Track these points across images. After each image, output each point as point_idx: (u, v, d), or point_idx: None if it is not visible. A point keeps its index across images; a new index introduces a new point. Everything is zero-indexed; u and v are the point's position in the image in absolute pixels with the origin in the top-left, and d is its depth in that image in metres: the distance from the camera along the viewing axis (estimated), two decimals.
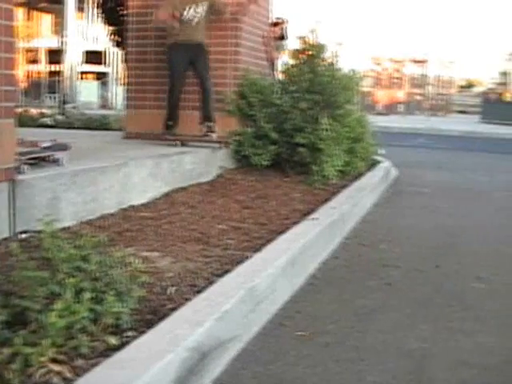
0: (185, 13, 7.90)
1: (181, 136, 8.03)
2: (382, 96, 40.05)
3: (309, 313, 3.90)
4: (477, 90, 67.51)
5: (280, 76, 8.85)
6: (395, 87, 42.24)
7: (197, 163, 7.19)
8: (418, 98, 43.35)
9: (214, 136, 7.97)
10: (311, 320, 3.78)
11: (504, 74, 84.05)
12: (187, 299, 3.35)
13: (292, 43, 9.07)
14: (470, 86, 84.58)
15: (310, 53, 8.25)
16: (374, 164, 9.18)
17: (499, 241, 6.24)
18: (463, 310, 4.10)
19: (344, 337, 3.55)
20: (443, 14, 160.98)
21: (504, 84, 75.30)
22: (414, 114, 38.62)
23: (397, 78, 43.38)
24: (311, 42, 8.30)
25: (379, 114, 35.44)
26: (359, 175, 8.18)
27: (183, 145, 7.84)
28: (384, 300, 4.23)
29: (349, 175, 7.99)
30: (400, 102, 40.32)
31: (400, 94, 41.01)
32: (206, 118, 8.01)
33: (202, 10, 7.98)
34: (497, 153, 17.18)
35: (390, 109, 38.78)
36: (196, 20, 7.97)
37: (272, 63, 9.14)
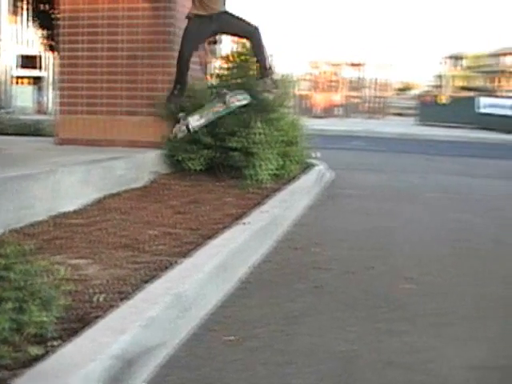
0: None
1: None
2: (319, 99, 40.28)
3: (238, 317, 3.90)
4: (413, 92, 68.42)
5: (213, 80, 8.83)
6: (333, 90, 42.55)
7: (129, 169, 7.13)
8: (356, 100, 43.74)
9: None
10: (240, 324, 3.78)
11: (439, 76, 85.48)
12: (114, 306, 3.32)
13: (226, 47, 9.06)
14: (406, 88, 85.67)
15: (243, 57, 8.26)
16: (308, 167, 9.22)
17: (431, 242, 6.33)
18: (392, 310, 4.15)
19: (273, 340, 3.56)
20: (379, 17, 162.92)
21: (439, 87, 76.62)
22: (351, 117, 38.93)
23: (334, 82, 43.71)
24: (244, 46, 8.31)
25: (317, 117, 35.67)
26: (293, 178, 8.21)
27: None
28: (314, 303, 4.25)
29: (283, 179, 8.01)
30: (337, 105, 40.62)
31: (337, 97, 41.31)
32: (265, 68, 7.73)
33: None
34: (431, 154, 17.44)
35: (328, 112, 39.04)
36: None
37: (205, 67, 9.11)
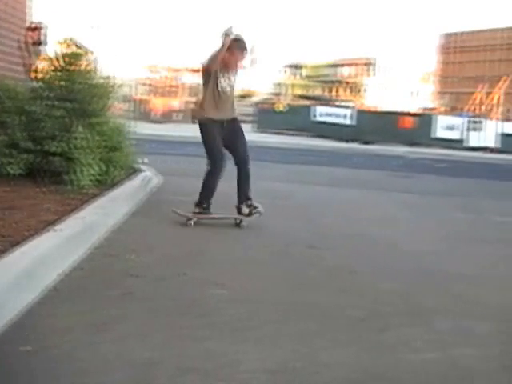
0: (220, 85, 7.24)
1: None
2: (158, 104, 40.19)
3: (41, 327, 3.82)
4: (253, 99, 69.55)
5: (36, 82, 8.61)
6: (172, 95, 42.58)
7: None
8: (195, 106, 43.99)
9: (261, 209, 7.50)
10: (42, 334, 3.70)
11: (279, 84, 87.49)
12: None
13: (52, 49, 8.86)
14: (247, 95, 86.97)
15: (67, 59, 8.11)
16: (134, 173, 9.16)
17: (247, 247, 6.45)
18: (198, 317, 4.19)
19: (75, 349, 3.51)
20: (221, 23, 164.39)
21: (278, 94, 78.26)
22: (190, 123, 39.07)
23: (173, 87, 43.76)
24: (69, 49, 8.16)
25: (155, 122, 35.60)
26: (117, 184, 8.13)
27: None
28: (124, 310, 4.23)
29: (106, 184, 7.91)
30: (176, 111, 40.67)
31: (176, 103, 41.36)
32: (246, 197, 7.54)
33: (233, 80, 7.38)
34: (264, 161, 17.77)
35: (167, 117, 39.00)
36: (229, 90, 7.35)
37: (29, 69, 8.89)
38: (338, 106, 40.90)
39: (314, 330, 4.06)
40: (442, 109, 60.04)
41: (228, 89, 7.28)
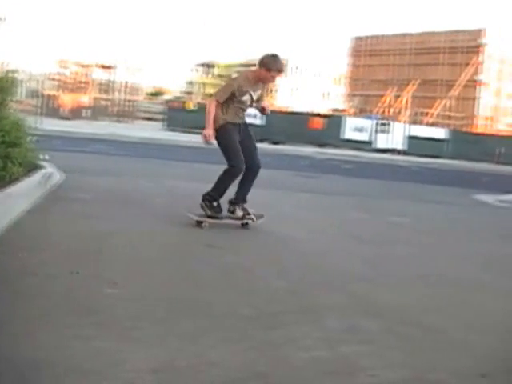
0: (243, 98, 7.54)
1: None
2: (67, 100, 39.56)
3: None
4: (165, 97, 69.26)
5: None
6: (81, 92, 42.00)
7: None
8: (105, 103, 43.47)
9: (253, 217, 7.76)
10: None
11: (190, 83, 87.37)
12: None
13: None
14: (158, 93, 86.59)
15: None
16: (34, 169, 8.97)
17: (142, 246, 6.42)
18: (87, 315, 4.11)
19: None
20: (131, 20, 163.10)
21: (190, 93, 78.13)
22: (99, 120, 38.62)
23: (83, 83, 43.16)
24: None
25: (64, 118, 35.03)
26: (14, 181, 7.94)
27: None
28: (12, 309, 4.13)
29: (3, 181, 7.72)
30: (86, 107, 40.12)
31: (86, 99, 40.80)
32: (243, 200, 7.80)
33: (258, 94, 7.68)
34: (171, 159, 17.74)
35: (76, 113, 38.43)
36: (248, 104, 7.66)
37: None
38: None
39: (203, 328, 4.05)
40: (352, 110, 61.07)
41: (250, 101, 7.63)
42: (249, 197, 7.82)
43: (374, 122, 38.84)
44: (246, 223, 7.73)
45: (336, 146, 34.29)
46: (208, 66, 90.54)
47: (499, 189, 18.29)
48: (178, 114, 37.27)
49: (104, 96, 43.87)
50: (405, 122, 42.80)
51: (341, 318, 4.52)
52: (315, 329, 4.22)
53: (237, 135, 7.59)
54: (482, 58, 65.22)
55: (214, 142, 7.57)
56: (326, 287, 5.35)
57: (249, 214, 7.74)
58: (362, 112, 57.44)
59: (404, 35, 71.94)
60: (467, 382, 3.55)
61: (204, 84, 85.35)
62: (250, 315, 4.39)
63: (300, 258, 6.50)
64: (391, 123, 39.24)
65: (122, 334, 3.86)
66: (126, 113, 43.21)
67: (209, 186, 7.72)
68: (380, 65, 72.79)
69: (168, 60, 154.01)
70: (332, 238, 7.77)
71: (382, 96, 63.05)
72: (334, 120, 37.76)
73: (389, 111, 52.14)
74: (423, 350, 3.99)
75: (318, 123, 35.64)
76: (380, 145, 37.27)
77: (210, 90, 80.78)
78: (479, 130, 55.09)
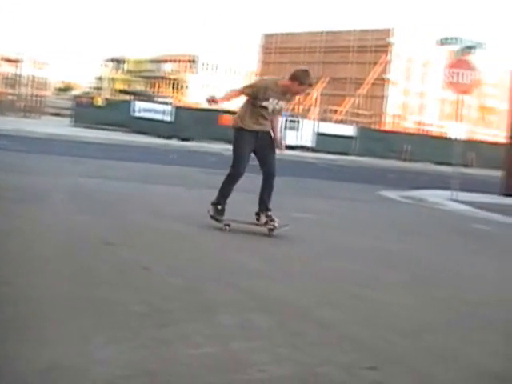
0: (264, 103, 7.74)
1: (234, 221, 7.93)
2: None
3: None
4: (73, 93, 68.25)
5: None
6: None
7: None
8: (11, 98, 42.48)
9: (276, 224, 7.89)
10: None
11: (100, 78, 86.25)
12: None
13: None
14: (67, 88, 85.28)
15: None
16: None
17: (42, 246, 6.30)
18: None
19: None
20: (38, 12, 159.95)
21: (99, 89, 77.13)
22: (5, 115, 37.70)
23: None
24: None
25: None
26: None
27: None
28: None
29: None
30: None
31: None
32: (266, 208, 7.92)
33: (280, 105, 7.88)
34: (76, 156, 17.46)
35: None
36: (271, 110, 7.84)
37: None
38: (157, 102, 40.87)
39: (94, 326, 3.99)
40: None
41: (272, 109, 7.83)
42: (153, 194, 7.86)
43: (284, 118, 39.08)
44: (272, 229, 7.91)
45: None
46: (118, 61, 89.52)
47: (404, 185, 18.71)
48: (86, 110, 36.75)
49: (10, 91, 42.86)
50: (314, 119, 43.29)
51: (234, 314, 4.52)
52: (207, 325, 4.21)
53: (251, 144, 7.85)
54: (390, 57, 66.45)
55: (215, 103, 7.85)
56: (221, 283, 5.36)
57: (272, 220, 7.92)
58: None
59: (314, 33, 72.73)
60: (355, 376, 3.60)
61: (114, 80, 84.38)
62: (143, 312, 4.36)
63: (197, 254, 6.50)
64: (300, 120, 39.61)
65: (11, 335, 3.77)
66: (33, 108, 42.27)
67: (111, 183, 7.65)
68: (290, 62, 73.07)
69: (77, 55, 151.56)
70: (231, 233, 7.77)
71: None
72: None
73: (298, 108, 52.56)
74: (314, 344, 4.03)
75: (227, 120, 35.63)
76: (289, 141, 37.42)
77: (120, 86, 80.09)
78: (387, 128, 56.12)
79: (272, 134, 8.00)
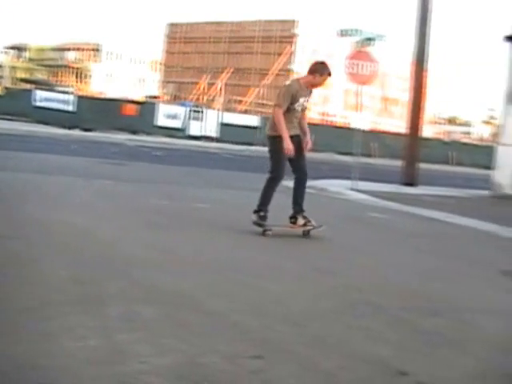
0: (296, 105, 7.93)
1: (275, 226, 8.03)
2: None
3: None
4: None
5: None
6: None
7: None
8: None
9: (314, 223, 8.12)
10: None
11: (0, 66, 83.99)
12: None
13: None
14: None
15: None
16: None
17: None
18: None
19: None
20: None
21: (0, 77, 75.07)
22: None
23: None
24: None
25: None
26: None
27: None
28: None
29: None
30: None
31: None
32: (301, 209, 8.12)
33: (306, 102, 8.13)
34: None
35: None
36: (300, 109, 8.08)
37: None
38: (58, 92, 40.09)
39: None
40: (166, 97, 61.03)
41: (300, 108, 8.06)
42: (52, 185, 7.71)
43: (188, 109, 38.99)
44: (308, 232, 8.14)
45: (149, 133, 34.14)
46: (19, 49, 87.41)
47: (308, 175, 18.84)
48: None
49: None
50: (218, 109, 43.30)
51: (121, 305, 4.49)
52: (93, 318, 4.16)
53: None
54: (294, 48, 67.08)
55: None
56: (112, 275, 5.30)
57: (309, 221, 8.12)
58: (176, 99, 57.50)
59: (219, 23, 72.73)
60: (238, 365, 3.61)
61: (14, 68, 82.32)
62: (30, 306, 4.28)
63: (91, 246, 6.40)
64: (205, 110, 39.57)
65: None
66: None
67: (8, 174, 7.44)
68: (195, 52, 73.20)
69: None
70: (127, 226, 7.71)
71: (196, 83, 63.43)
72: (147, 107, 37.53)
73: (203, 99, 52.52)
74: (199, 334, 4.04)
75: (130, 110, 35.30)
76: (193, 132, 37.50)
77: (22, 74, 78.22)
78: None
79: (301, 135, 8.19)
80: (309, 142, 8.21)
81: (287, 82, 8.30)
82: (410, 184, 18.22)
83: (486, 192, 18.23)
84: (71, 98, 35.11)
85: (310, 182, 15.98)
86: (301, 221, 8.13)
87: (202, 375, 3.41)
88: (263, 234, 7.86)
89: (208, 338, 3.98)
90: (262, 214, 7.99)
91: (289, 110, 7.89)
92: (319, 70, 8.11)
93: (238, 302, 4.91)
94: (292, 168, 8.16)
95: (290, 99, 7.86)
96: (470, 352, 4.26)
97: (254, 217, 7.98)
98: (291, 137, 7.90)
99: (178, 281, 5.35)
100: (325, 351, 3.98)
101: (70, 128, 30.92)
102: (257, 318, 4.51)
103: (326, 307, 5.05)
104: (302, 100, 7.98)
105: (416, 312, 5.13)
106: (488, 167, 21.08)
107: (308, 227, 8.13)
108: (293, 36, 67.09)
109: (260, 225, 7.95)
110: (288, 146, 7.75)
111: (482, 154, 40.66)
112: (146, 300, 4.67)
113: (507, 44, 18.49)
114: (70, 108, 33.51)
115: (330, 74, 8.17)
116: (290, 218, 8.16)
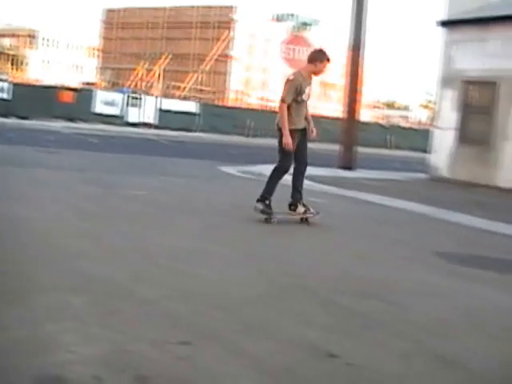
0: (303, 96, 8.18)
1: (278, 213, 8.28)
2: None
3: None
4: None
5: None
6: None
7: None
8: None
9: (313, 211, 8.46)
10: None
11: None
12: None
13: None
14: None
15: None
16: None
17: None
18: None
19: None
20: None
21: None
22: None
23: None
24: None
25: None
26: None
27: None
28: None
29: None
30: None
31: None
32: (301, 196, 8.37)
33: (309, 91, 8.31)
34: None
35: None
36: (306, 100, 8.29)
37: None
38: None
39: None
40: (103, 84, 60.38)
41: (306, 98, 8.27)
42: None
43: (126, 95, 38.64)
44: (306, 219, 8.44)
45: (86, 121, 33.75)
46: None
47: (244, 160, 18.94)
48: None
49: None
50: (156, 95, 43.01)
51: (51, 296, 4.42)
52: (22, 309, 4.09)
53: (296, 139, 8.16)
54: (233, 34, 66.94)
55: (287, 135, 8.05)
56: (41, 265, 5.24)
57: (309, 209, 8.41)
58: (113, 86, 56.90)
59: (157, 9, 72.14)
60: (166, 351, 3.60)
61: None
62: None
63: (22, 237, 6.29)
64: (143, 97, 39.28)
65: None
66: None
67: None
68: (132, 38, 72.46)
69: None
70: (57, 214, 7.61)
71: (134, 69, 62.86)
72: (84, 94, 37.07)
73: (141, 85, 52.10)
74: (128, 322, 4.01)
75: (67, 97, 34.84)
76: (131, 119, 37.20)
77: None
78: (230, 104, 56.56)
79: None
80: (313, 129, 8.41)
81: (290, 77, 8.30)
82: (348, 168, 18.40)
83: (422, 175, 18.51)
84: (6, 85, 34.48)
85: (247, 168, 16.17)
86: (301, 209, 8.38)
87: (129, 362, 3.39)
88: (267, 221, 8.13)
89: (137, 326, 3.96)
90: (267, 202, 8.19)
91: (297, 103, 8.12)
92: (318, 58, 8.32)
93: (170, 289, 4.88)
94: (294, 158, 8.30)
95: (295, 92, 8.05)
96: (400, 334, 4.31)
97: (260, 205, 8.19)
98: (300, 130, 8.20)
99: (108, 269, 5.29)
100: (255, 336, 3.99)
101: (4, 116, 30.37)
102: (188, 305, 4.50)
103: (259, 293, 5.05)
104: (307, 90, 8.20)
105: (349, 295, 5.18)
106: (425, 151, 21.39)
107: (308, 214, 8.38)
108: (231, 21, 66.93)
109: (267, 212, 8.17)
110: (287, 141, 7.98)
111: (420, 138, 41.31)
112: (74, 289, 4.61)
113: (441, 29, 18.76)
114: (5, 96, 32.92)
115: (329, 60, 8.36)
116: (290, 205, 8.38)
